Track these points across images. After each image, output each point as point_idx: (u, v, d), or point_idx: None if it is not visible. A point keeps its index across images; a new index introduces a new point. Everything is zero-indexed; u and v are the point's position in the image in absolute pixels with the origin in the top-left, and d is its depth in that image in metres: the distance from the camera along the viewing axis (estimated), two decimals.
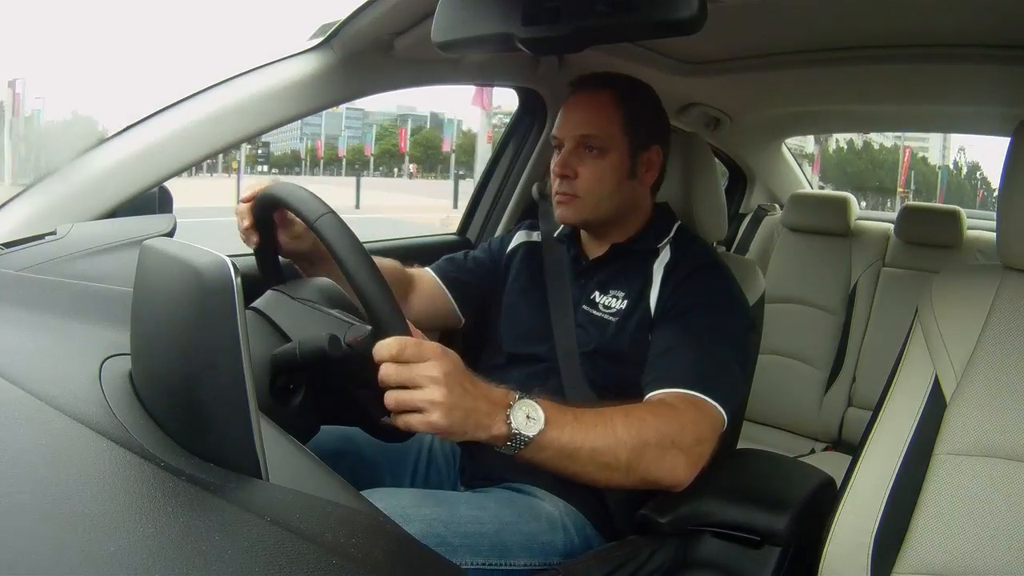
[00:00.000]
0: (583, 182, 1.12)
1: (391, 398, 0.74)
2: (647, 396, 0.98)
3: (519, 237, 1.32)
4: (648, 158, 1.15)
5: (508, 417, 0.80)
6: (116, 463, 0.50)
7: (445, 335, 1.33)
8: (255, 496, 0.50)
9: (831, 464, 1.18)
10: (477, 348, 1.29)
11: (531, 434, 0.80)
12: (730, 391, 0.99)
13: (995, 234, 0.95)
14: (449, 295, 1.27)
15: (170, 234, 0.96)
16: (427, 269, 1.29)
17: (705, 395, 0.96)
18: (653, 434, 0.88)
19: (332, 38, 1.18)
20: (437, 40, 0.82)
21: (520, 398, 0.82)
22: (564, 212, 1.15)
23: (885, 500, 0.89)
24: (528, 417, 0.80)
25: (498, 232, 1.78)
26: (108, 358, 0.65)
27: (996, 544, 0.82)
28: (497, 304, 1.26)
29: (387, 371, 0.73)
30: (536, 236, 1.30)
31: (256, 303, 0.93)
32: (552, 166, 1.15)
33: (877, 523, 0.89)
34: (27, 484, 0.45)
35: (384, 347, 0.73)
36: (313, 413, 0.87)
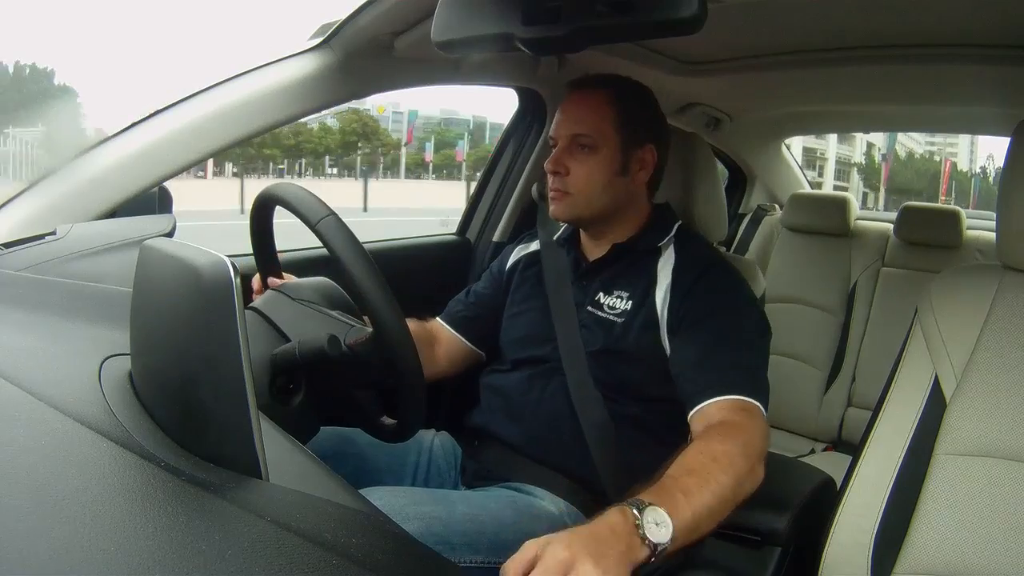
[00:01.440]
0: (574, 179, 1.13)
1: None
2: (697, 407, 0.98)
3: (517, 252, 1.33)
4: (641, 156, 1.15)
5: (642, 535, 0.72)
6: (116, 463, 0.50)
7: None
8: (255, 496, 0.50)
9: (831, 464, 1.18)
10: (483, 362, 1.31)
11: (667, 539, 0.73)
12: (766, 391, 1.00)
13: (995, 234, 0.95)
14: (461, 337, 1.31)
15: (170, 234, 0.96)
16: (437, 319, 1.33)
17: (752, 399, 0.97)
18: (742, 461, 0.86)
19: (332, 38, 1.18)
20: (437, 40, 0.82)
21: (637, 511, 0.74)
22: (556, 208, 1.16)
23: (885, 500, 0.90)
24: (657, 524, 0.73)
25: (497, 232, 1.78)
26: (108, 358, 0.65)
27: (996, 544, 0.82)
28: (502, 318, 1.27)
29: None
30: (534, 246, 1.30)
31: (256, 303, 0.93)
32: (545, 163, 1.16)
33: (877, 523, 0.89)
34: (27, 484, 0.45)
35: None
36: (313, 413, 0.87)
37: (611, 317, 1.13)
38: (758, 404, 0.97)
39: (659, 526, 0.73)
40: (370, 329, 0.79)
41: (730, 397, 0.96)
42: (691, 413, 0.98)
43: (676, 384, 1.03)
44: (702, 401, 0.98)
